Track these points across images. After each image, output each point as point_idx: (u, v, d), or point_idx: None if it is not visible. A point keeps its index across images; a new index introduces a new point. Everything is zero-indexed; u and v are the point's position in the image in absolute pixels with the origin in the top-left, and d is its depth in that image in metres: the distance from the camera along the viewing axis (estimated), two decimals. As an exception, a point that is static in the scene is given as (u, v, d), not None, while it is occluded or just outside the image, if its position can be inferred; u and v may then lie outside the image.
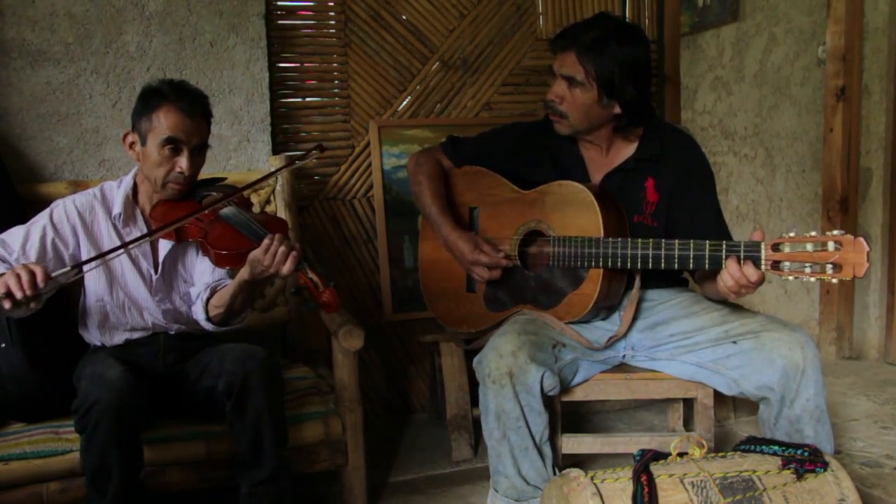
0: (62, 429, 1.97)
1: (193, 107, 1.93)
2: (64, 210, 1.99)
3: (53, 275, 1.69)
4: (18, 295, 1.62)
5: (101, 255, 1.88)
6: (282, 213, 2.64)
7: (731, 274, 1.69)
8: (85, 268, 1.98)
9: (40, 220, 1.97)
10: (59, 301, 1.97)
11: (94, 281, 2.01)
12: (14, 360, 1.99)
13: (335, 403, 2.19)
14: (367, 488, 2.24)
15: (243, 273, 1.86)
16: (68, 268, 1.78)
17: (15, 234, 1.95)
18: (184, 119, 1.91)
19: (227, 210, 1.96)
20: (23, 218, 2.08)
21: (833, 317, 3.14)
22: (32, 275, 1.64)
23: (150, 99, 1.93)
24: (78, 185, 2.41)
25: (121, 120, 2.58)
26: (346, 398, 2.18)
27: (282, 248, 1.79)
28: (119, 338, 2.04)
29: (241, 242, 1.87)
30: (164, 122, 1.90)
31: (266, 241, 1.80)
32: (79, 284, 2.03)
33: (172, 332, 2.07)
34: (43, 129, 2.52)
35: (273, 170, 2.34)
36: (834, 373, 2.97)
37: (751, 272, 1.66)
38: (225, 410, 1.88)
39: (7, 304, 1.64)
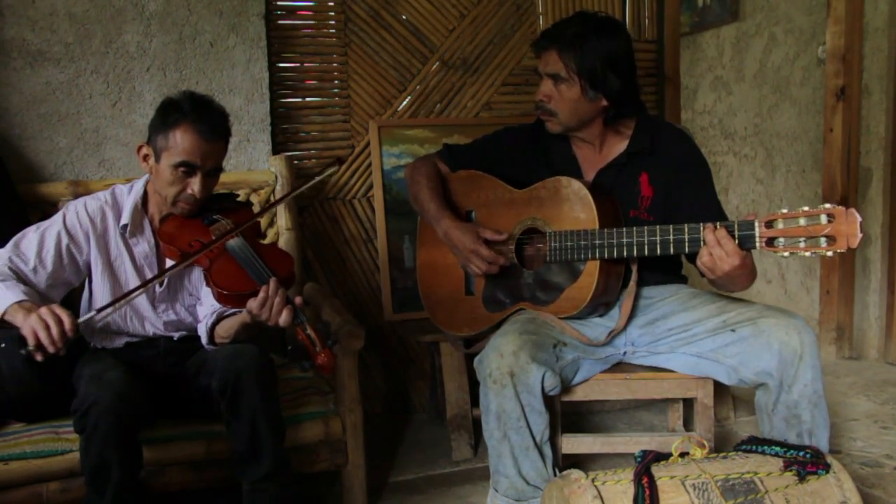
0: (62, 429, 1.96)
1: (213, 130, 1.89)
2: (76, 215, 1.97)
3: (80, 321, 1.67)
4: (51, 349, 1.63)
5: (123, 297, 1.86)
6: (282, 214, 2.64)
7: (709, 249, 1.69)
8: (94, 277, 1.98)
9: (54, 226, 1.95)
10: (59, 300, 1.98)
11: (99, 289, 1.99)
12: (14, 360, 1.98)
13: (335, 403, 2.19)
14: (367, 488, 2.23)
15: (244, 317, 1.85)
16: (93, 312, 1.74)
17: (28, 240, 1.92)
18: (201, 142, 1.87)
19: (233, 242, 1.92)
20: (23, 217, 2.08)
21: (833, 317, 3.13)
22: (61, 324, 1.64)
23: (170, 114, 1.88)
24: (78, 185, 2.41)
25: (121, 120, 2.58)
26: (346, 398, 2.17)
27: (277, 300, 1.78)
28: (119, 342, 2.04)
29: (244, 283, 1.84)
30: (180, 144, 1.86)
31: (262, 294, 1.78)
32: (84, 285, 2.03)
33: (175, 338, 2.07)
34: (43, 129, 2.52)
35: (284, 195, 2.35)
36: (834, 373, 2.97)
37: (726, 242, 1.67)
38: (220, 409, 1.88)
39: (39, 357, 1.63)
